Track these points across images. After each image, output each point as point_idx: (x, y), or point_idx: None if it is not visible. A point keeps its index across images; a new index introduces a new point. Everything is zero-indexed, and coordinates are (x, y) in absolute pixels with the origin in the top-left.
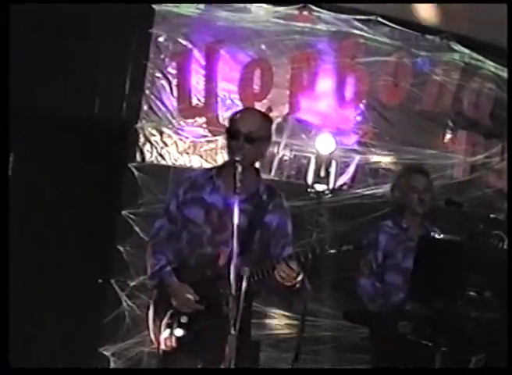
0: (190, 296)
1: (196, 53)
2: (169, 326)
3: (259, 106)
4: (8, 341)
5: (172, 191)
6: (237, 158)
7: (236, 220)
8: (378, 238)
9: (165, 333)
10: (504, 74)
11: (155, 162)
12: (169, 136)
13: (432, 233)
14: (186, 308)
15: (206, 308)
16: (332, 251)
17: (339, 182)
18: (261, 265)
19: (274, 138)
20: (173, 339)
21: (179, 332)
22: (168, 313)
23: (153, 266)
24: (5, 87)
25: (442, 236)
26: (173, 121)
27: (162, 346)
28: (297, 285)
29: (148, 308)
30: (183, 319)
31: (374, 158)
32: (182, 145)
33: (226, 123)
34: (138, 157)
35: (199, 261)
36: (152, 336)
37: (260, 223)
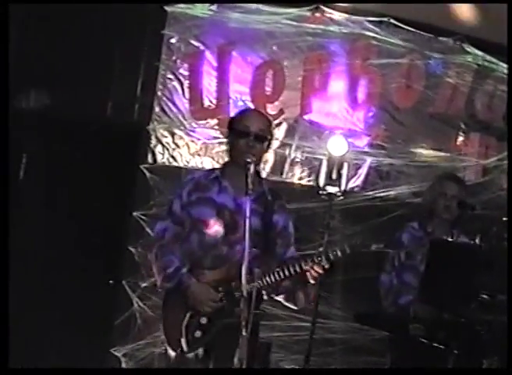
0: (212, 296)
1: (208, 55)
2: (189, 328)
3: (271, 108)
4: (8, 341)
5: (174, 192)
6: (248, 160)
7: (248, 221)
8: (401, 237)
9: (186, 335)
10: None
11: (167, 163)
12: (181, 137)
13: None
14: (207, 308)
15: (223, 309)
16: (363, 250)
17: (351, 184)
18: (271, 264)
19: (285, 140)
20: (193, 341)
21: (198, 334)
22: (188, 315)
23: (165, 268)
24: (18, 89)
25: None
26: (185, 123)
27: (185, 348)
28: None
29: (162, 311)
30: (203, 320)
31: (386, 160)
32: (193, 147)
33: (231, 123)
34: (150, 158)
35: (214, 262)
36: (169, 338)
37: (269, 223)
